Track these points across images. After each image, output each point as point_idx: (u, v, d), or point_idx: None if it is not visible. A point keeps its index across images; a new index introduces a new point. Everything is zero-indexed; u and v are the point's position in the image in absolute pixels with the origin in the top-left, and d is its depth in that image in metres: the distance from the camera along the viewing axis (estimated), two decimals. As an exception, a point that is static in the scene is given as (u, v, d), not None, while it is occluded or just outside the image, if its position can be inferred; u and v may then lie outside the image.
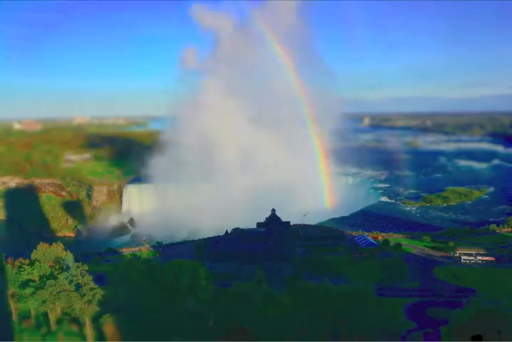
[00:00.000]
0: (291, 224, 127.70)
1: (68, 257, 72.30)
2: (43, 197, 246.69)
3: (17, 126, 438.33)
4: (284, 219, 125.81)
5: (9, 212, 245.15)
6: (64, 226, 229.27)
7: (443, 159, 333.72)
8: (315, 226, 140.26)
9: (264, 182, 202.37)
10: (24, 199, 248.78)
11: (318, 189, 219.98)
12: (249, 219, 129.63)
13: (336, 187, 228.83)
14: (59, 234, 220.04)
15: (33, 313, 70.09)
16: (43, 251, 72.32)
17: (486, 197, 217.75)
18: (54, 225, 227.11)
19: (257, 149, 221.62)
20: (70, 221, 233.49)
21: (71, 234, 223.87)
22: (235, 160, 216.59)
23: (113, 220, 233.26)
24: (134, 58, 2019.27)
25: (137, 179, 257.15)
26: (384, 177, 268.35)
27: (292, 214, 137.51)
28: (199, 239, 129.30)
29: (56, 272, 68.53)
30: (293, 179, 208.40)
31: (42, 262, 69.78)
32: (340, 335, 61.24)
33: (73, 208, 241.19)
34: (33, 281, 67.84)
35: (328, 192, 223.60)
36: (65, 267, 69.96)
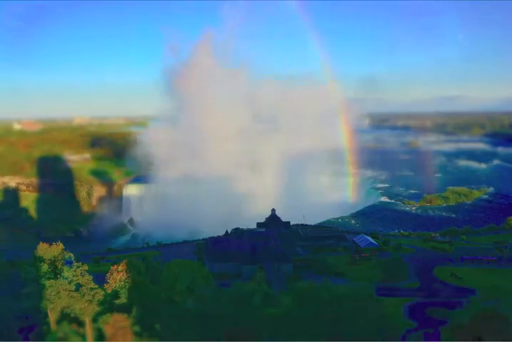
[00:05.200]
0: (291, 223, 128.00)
1: (69, 257, 72.16)
2: (43, 197, 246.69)
3: (17, 126, 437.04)
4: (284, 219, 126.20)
5: (9, 212, 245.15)
6: (64, 226, 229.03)
7: (443, 159, 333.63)
8: (315, 226, 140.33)
9: (266, 181, 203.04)
10: (24, 199, 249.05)
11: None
12: (249, 219, 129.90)
13: (336, 187, 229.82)
14: (59, 234, 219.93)
15: (33, 312, 70.08)
16: (43, 251, 72.09)
17: (486, 196, 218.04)
18: (54, 225, 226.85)
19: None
20: (71, 221, 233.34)
21: (71, 234, 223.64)
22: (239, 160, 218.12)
23: (113, 220, 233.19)
24: (134, 58, 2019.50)
25: (138, 179, 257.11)
26: (384, 177, 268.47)
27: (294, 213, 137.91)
28: (199, 239, 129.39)
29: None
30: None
31: (42, 262, 69.63)
32: (340, 336, 61.15)
33: (73, 208, 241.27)
34: (33, 280, 67.75)
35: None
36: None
